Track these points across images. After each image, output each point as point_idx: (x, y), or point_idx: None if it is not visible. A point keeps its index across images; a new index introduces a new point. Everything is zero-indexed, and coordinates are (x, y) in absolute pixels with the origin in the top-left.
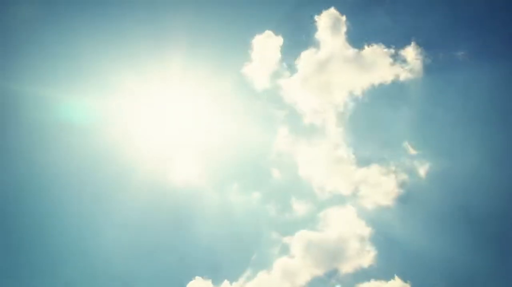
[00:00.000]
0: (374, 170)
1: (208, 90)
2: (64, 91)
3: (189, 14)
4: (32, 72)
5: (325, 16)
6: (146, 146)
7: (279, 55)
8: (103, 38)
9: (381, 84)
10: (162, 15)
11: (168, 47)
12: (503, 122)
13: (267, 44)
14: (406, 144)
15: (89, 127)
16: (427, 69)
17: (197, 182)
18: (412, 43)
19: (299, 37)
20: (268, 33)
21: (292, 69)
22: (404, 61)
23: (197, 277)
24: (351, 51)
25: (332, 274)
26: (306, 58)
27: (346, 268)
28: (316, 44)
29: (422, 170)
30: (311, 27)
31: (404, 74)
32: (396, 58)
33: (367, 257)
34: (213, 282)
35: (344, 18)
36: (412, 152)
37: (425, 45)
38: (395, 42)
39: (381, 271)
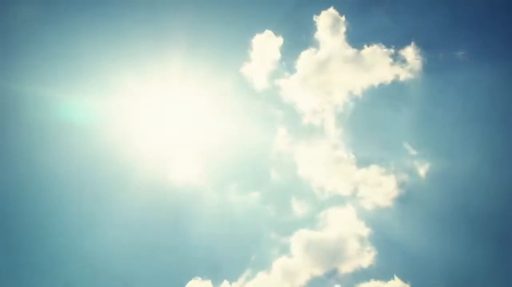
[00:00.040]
0: (373, 170)
1: (208, 90)
2: (64, 91)
3: (189, 14)
4: (32, 72)
5: (324, 16)
6: (146, 146)
7: (278, 55)
8: (103, 38)
9: (381, 84)
10: (162, 15)
11: (168, 47)
12: (503, 122)
13: (267, 44)
14: (406, 144)
15: (89, 127)
16: (427, 69)
17: (196, 182)
18: (412, 43)
19: (298, 37)
20: (268, 33)
21: (291, 69)
22: (404, 61)
23: (196, 277)
24: (351, 51)
25: (332, 274)
26: (306, 58)
27: (346, 268)
28: (315, 44)
29: (422, 170)
30: (311, 27)
31: (404, 74)
32: (396, 58)
33: (367, 257)
34: (212, 282)
35: (343, 18)
36: (412, 152)
37: (425, 45)
38: (395, 42)
39: (381, 271)
